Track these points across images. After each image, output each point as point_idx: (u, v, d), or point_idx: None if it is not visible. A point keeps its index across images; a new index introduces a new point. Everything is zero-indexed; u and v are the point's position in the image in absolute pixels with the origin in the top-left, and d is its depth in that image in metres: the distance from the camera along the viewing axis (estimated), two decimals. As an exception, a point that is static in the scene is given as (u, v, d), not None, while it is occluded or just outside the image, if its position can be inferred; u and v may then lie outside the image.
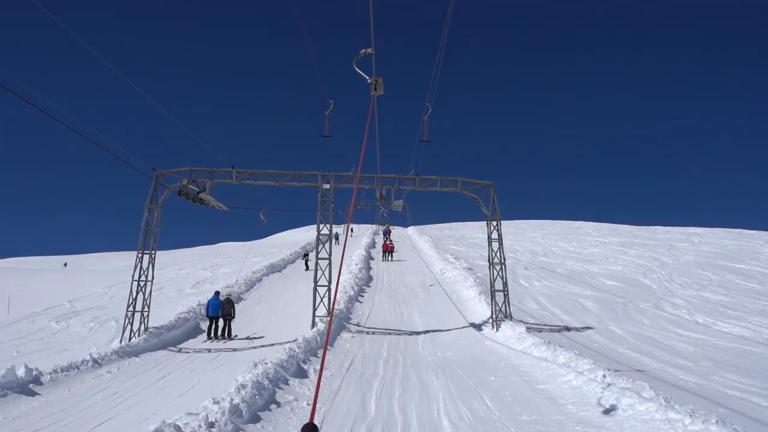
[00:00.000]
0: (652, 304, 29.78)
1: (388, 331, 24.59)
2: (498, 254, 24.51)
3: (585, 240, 57.07)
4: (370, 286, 36.59)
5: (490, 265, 25.03)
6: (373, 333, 24.13)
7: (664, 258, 44.94)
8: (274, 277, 39.98)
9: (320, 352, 19.62)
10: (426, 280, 38.52)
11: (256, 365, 14.47)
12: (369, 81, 10.05)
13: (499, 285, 24.38)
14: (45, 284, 36.83)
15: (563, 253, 49.23)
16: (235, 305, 24.43)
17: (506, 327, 22.67)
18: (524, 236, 62.39)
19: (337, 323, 23.81)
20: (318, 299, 23.62)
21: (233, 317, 23.15)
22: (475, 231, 70.88)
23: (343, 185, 24.20)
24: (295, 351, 17.04)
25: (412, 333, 24.53)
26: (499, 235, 24.36)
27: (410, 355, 20.08)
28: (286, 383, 14.57)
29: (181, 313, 25.95)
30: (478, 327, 25.09)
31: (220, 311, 22.66)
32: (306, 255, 44.15)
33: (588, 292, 33.24)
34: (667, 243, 52.64)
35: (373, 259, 49.96)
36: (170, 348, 21.76)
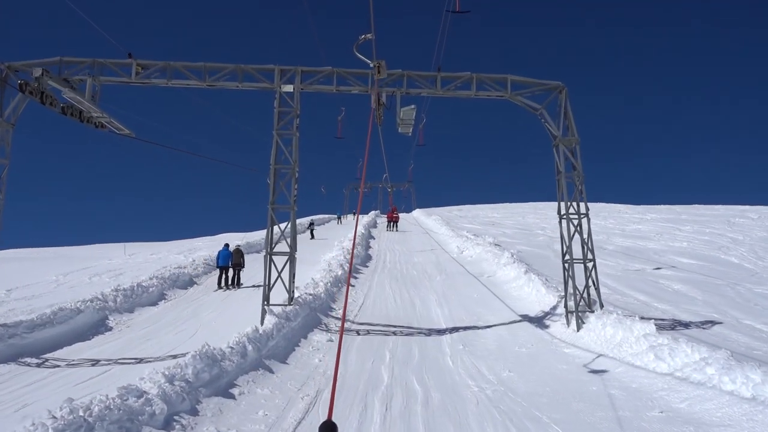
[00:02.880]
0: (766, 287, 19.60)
1: (392, 330, 14.28)
2: (574, 202, 14.12)
3: (621, 217, 46.54)
4: (367, 266, 26.19)
5: (560, 218, 14.64)
6: (367, 333, 13.81)
7: (731, 234, 34.55)
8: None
9: (270, 364, 9.50)
10: (441, 260, 28.13)
11: None
12: (371, 65, 10.22)
13: (576, 253, 14.02)
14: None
15: (602, 229, 38.66)
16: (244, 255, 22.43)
17: (597, 322, 12.30)
18: (545, 214, 51.91)
19: (305, 317, 13.48)
20: (274, 275, 13.30)
21: (243, 267, 21.85)
22: (489, 211, 60.45)
23: (316, 87, 13.78)
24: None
25: (430, 332, 14.25)
26: (578, 164, 13.93)
27: (434, 379, 9.85)
28: None
29: (74, 302, 15.99)
30: (538, 322, 14.74)
31: (230, 261, 21.46)
32: (311, 224, 42.56)
33: (667, 272, 22.89)
34: (722, 219, 42.15)
35: (373, 238, 39.63)
36: (23, 360, 11.88)
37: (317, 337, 12.62)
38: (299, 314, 12.73)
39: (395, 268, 25.74)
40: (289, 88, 13.56)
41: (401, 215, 57.13)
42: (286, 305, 13.10)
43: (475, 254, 27.99)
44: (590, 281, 13.81)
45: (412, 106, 13.32)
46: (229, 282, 21.39)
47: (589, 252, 14.07)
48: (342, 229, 48.12)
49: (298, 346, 11.67)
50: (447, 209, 66.14)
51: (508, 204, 68.09)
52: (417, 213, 65.69)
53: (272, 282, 13.36)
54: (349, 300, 18.15)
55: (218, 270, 21.70)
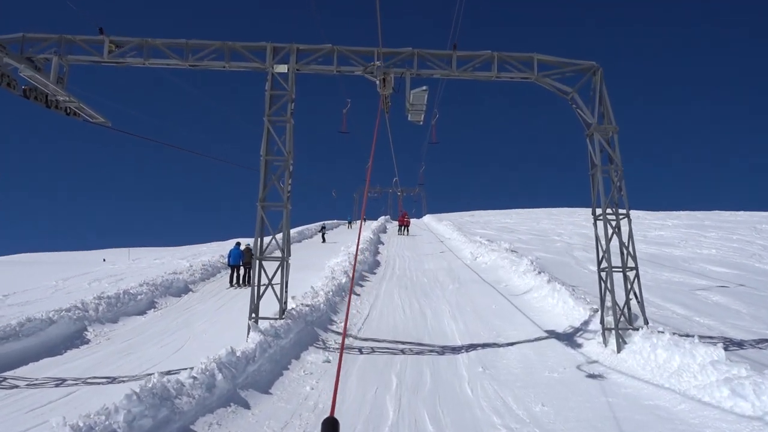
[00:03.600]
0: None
1: (400, 348, 12.27)
2: (610, 196, 12.04)
3: (640, 223, 44.12)
4: (375, 273, 24.19)
5: (595, 221, 12.58)
6: (372, 351, 11.80)
7: (761, 241, 32.22)
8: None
9: (248, 395, 7.54)
10: (453, 267, 26.08)
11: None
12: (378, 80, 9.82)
13: (615, 259, 11.95)
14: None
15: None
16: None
17: (644, 343, 10.19)
18: (560, 220, 49.72)
19: (299, 332, 11.49)
20: (260, 289, 11.33)
21: (252, 265, 19.88)
22: (501, 217, 58.28)
23: (313, 68, 11.81)
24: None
25: (443, 350, 12.22)
26: (616, 156, 11.84)
27: (451, 415, 7.88)
28: None
29: (46, 312, 14.30)
30: (568, 340, 12.66)
31: (241, 260, 21.50)
32: (323, 228, 43.58)
33: (701, 281, 20.67)
34: (747, 225, 39.74)
35: (383, 243, 37.66)
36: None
37: (312, 357, 10.62)
38: (291, 330, 10.74)
39: (405, 276, 23.72)
40: (282, 68, 11.63)
41: (411, 221, 55.09)
42: (276, 319, 11.13)
43: (490, 261, 25.90)
44: (632, 293, 11.70)
45: (424, 88, 11.34)
46: (240, 280, 21.43)
47: (630, 259, 11.96)
48: (353, 233, 46.74)
49: (288, 369, 9.68)
50: (458, 215, 64.01)
51: (520, 210, 65.83)
52: (428, 218, 63.63)
53: (262, 291, 11.40)
54: (353, 311, 16.16)
55: (229, 269, 21.87)
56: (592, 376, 9.99)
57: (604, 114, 11.80)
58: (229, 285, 21.41)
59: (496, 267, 24.22)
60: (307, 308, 12.58)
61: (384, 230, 47.70)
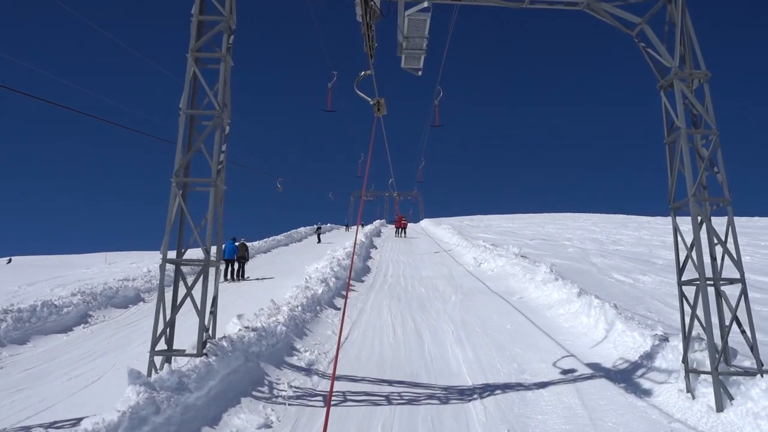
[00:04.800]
0: None
1: (385, 392, 8.32)
2: (699, 175, 8.07)
3: (653, 228, 40.38)
4: (363, 281, 20.25)
5: (673, 213, 8.69)
6: (343, 400, 7.81)
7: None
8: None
9: None
10: (454, 274, 22.17)
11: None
12: (371, 103, 8.05)
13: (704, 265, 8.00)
14: None
15: (637, 241, 32.51)
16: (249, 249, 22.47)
17: (771, 401, 6.16)
18: (566, 225, 45.85)
19: (231, 374, 7.47)
20: (175, 308, 7.41)
21: (247, 260, 21.83)
22: (503, 221, 54.36)
23: None
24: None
25: (447, 395, 8.27)
26: (709, 114, 7.88)
27: None
28: None
29: None
30: (625, 381, 8.71)
31: (236, 254, 20.99)
32: (319, 228, 42.84)
33: (756, 294, 16.76)
34: (758, 230, 36.01)
35: (375, 248, 33.74)
36: None
37: (241, 418, 6.58)
38: (213, 374, 6.75)
39: (398, 284, 19.77)
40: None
41: (408, 225, 51.22)
42: (195, 355, 7.17)
43: (497, 268, 21.98)
44: (729, 316, 7.75)
45: (425, 5, 7.44)
46: (235, 275, 21.10)
47: (722, 265, 8.05)
48: (350, 235, 43.94)
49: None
50: (457, 219, 60.08)
51: (522, 215, 61.96)
52: (425, 223, 59.71)
53: (207, 311, 7.45)
54: (327, 331, 12.19)
55: (223, 263, 21.00)
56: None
57: (685, 56, 7.88)
58: (223, 280, 20.30)
59: (505, 275, 20.29)
60: (252, 334, 8.58)
61: (378, 234, 43.82)
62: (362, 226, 55.74)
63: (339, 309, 14.60)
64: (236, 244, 21.32)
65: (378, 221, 57.92)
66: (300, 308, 11.96)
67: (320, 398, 7.83)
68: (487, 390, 8.61)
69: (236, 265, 21.20)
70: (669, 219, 39.37)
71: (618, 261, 23.87)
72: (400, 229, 43.19)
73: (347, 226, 55.37)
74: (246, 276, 21.39)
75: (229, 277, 20.95)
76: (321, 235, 41.54)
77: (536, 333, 12.15)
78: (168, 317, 7.66)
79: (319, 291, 14.00)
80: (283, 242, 38.29)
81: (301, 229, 46.13)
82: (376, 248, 33.33)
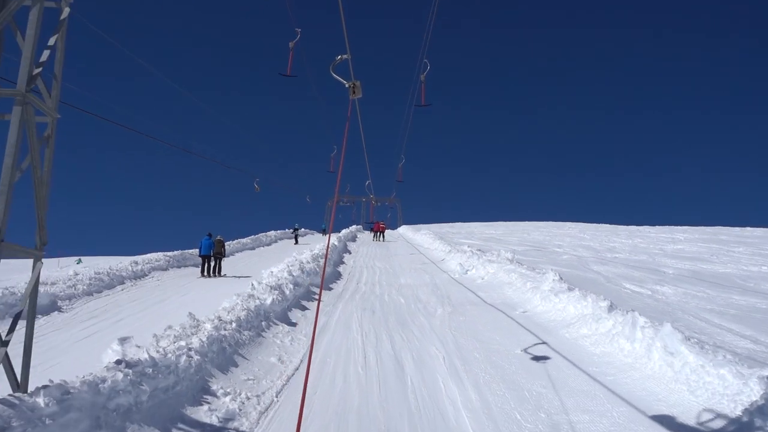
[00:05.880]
0: None
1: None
2: None
3: (646, 236, 37.55)
4: (330, 289, 16.70)
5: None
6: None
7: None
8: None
9: None
10: (438, 282, 18.75)
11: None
12: (347, 85, 8.07)
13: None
14: None
15: (634, 249, 29.51)
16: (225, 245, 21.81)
17: None
18: (551, 232, 42.81)
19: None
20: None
21: (224, 256, 21.44)
22: (484, 228, 51.21)
23: None
24: None
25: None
26: None
27: None
28: None
29: None
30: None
31: (212, 250, 20.42)
32: (296, 229, 40.88)
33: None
34: (758, 240, 33.38)
35: (349, 252, 30.22)
36: None
37: None
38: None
39: (373, 293, 16.28)
40: None
41: (386, 232, 47.78)
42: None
43: (488, 275, 18.64)
44: None
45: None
46: (212, 271, 20.65)
47: None
48: (333, 238, 40.22)
49: None
50: (437, 226, 56.84)
51: (503, 222, 58.96)
52: (403, 229, 56.34)
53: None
54: (271, 359, 8.63)
55: (200, 259, 20.91)
56: None
57: None
58: (200, 275, 20.39)
59: (499, 283, 16.94)
60: (126, 375, 4.99)
61: (353, 239, 40.31)
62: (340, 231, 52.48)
63: (294, 324, 11.04)
64: (213, 240, 20.72)
65: (354, 226, 54.42)
66: (234, 325, 8.38)
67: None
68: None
69: (213, 262, 20.64)
70: (663, 228, 35.57)
71: (623, 269, 20.73)
72: (378, 233, 41.43)
73: (324, 230, 52.06)
74: (223, 273, 20.74)
75: (204, 273, 20.38)
76: (298, 237, 40.47)
77: (560, 363, 8.75)
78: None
79: (268, 301, 10.42)
80: (249, 246, 34.60)
81: (271, 233, 42.43)
82: (350, 253, 29.82)
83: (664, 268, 21.49)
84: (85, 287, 16.61)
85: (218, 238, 21.19)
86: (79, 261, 25.71)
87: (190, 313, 8.37)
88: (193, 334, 7.27)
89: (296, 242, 38.30)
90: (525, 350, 9.53)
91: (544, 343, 9.87)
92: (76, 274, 17.84)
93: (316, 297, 14.26)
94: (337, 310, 13.20)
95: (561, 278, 13.53)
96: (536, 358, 9.04)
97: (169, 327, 7.67)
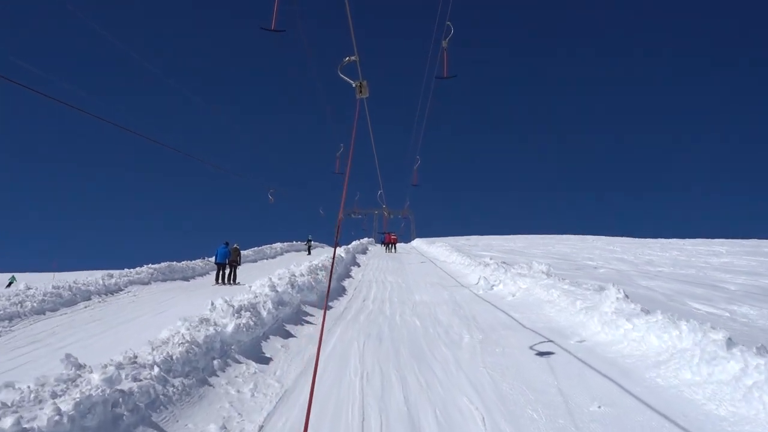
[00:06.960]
0: None
1: None
2: None
3: (684, 250, 33.85)
4: (331, 307, 13.43)
5: None
6: None
7: None
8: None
9: None
10: (459, 300, 15.44)
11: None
12: (354, 85, 7.57)
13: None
14: None
15: (675, 262, 25.92)
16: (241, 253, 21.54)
17: None
18: (575, 245, 39.23)
19: None
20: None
21: (239, 264, 21.31)
22: (503, 241, 47.67)
23: None
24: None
25: None
26: None
27: None
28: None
29: None
30: None
31: (227, 259, 20.36)
32: (309, 240, 41.29)
33: None
34: (759, 252, 29.62)
35: (358, 265, 27.01)
36: None
37: None
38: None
39: (381, 313, 13.00)
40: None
41: (398, 245, 44.51)
42: None
43: (520, 291, 15.30)
44: None
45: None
46: (227, 279, 20.53)
47: None
48: (340, 249, 37.49)
49: None
50: (452, 239, 53.38)
51: (523, 235, 55.35)
52: (417, 242, 53.05)
53: None
54: (232, 412, 5.38)
55: (216, 267, 20.88)
56: None
57: None
58: (215, 282, 20.37)
59: (537, 302, 13.58)
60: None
61: (364, 251, 37.10)
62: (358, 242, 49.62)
63: (267, 361, 7.78)
64: (229, 248, 20.74)
65: (365, 239, 51.23)
66: (157, 370, 5.17)
67: None
68: None
69: (228, 269, 20.64)
70: (697, 240, 31.30)
71: (678, 285, 17.26)
72: (390, 245, 40.14)
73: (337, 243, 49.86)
74: (237, 281, 20.52)
75: (220, 280, 20.38)
76: (311, 248, 40.85)
77: None
78: None
79: (230, 328, 7.22)
80: (250, 258, 31.59)
81: (277, 245, 39.49)
82: (359, 266, 26.61)
83: (723, 284, 17.99)
84: (35, 305, 13.62)
85: (234, 246, 21.16)
86: (12, 279, 23.56)
87: (67, 355, 5.15)
88: (59, 394, 4.11)
89: (309, 253, 38.08)
90: (605, 407, 6.21)
91: (631, 394, 6.54)
92: (28, 289, 14.85)
93: (307, 320, 11.04)
94: (334, 337, 9.96)
95: (627, 296, 10.16)
96: (628, 423, 5.72)
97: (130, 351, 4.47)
